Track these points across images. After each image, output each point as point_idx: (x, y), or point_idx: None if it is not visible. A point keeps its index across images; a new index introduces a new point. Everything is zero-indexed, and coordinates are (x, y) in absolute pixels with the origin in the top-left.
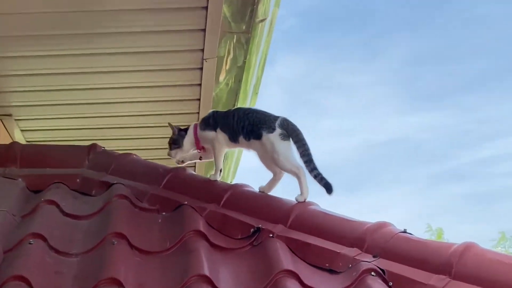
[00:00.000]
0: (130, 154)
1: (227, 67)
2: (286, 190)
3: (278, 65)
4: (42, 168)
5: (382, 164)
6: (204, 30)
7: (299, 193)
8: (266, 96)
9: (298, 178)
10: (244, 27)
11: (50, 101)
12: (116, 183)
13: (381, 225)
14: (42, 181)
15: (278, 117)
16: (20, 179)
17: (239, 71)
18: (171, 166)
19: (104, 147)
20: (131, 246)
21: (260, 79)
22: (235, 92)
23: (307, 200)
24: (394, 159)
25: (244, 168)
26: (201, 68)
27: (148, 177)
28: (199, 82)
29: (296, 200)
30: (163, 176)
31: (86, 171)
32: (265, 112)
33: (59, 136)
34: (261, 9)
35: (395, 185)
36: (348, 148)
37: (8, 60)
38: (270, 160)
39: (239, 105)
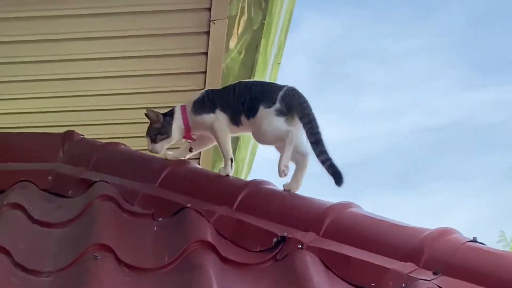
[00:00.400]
0: (117, 143)
1: (240, 30)
2: (318, 189)
3: (305, 28)
4: (3, 162)
5: (438, 153)
6: None
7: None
8: (290, 67)
9: (283, 145)
10: None
11: (13, 76)
12: (99, 180)
13: (443, 233)
14: (3, 180)
15: (283, 87)
16: None
17: (256, 36)
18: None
19: (83, 135)
20: (119, 261)
21: (283, 45)
22: (250, 62)
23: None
24: (454, 148)
25: (262, 159)
26: (208, 32)
27: (140, 173)
28: (204, 50)
29: (283, 187)
30: (159, 171)
31: (60, 165)
32: (272, 83)
33: (26, 122)
34: None
35: (456, 181)
36: (394, 134)
37: None
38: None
39: (256, 79)
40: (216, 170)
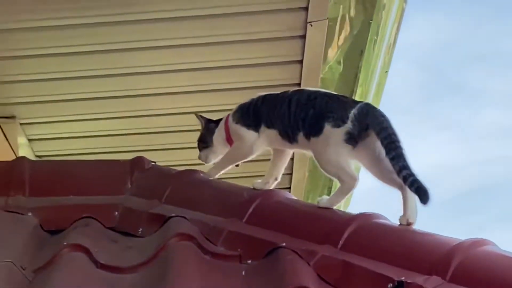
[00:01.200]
0: (194, 171)
1: (341, 34)
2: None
3: (412, 28)
4: (62, 196)
5: None
6: None
7: (326, 196)
8: (393, 76)
9: (342, 186)
10: None
11: (72, 93)
12: (174, 216)
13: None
14: (63, 216)
15: (356, 103)
16: (30, 214)
17: (359, 40)
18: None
19: (154, 162)
20: None
21: (393, 50)
22: (352, 71)
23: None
24: None
25: (365, 189)
26: (304, 36)
27: (223, 207)
28: (299, 58)
29: (318, 204)
30: (247, 204)
31: (129, 198)
32: (342, 96)
33: (83, 147)
34: None
35: None
36: None
37: (13, 32)
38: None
39: (359, 91)
40: (310, 200)
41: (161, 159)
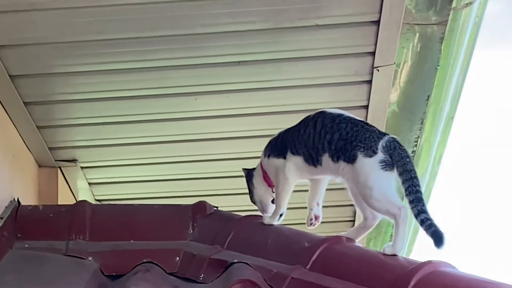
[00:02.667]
0: (257, 216)
1: (404, 79)
2: None
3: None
4: (123, 240)
5: None
6: (377, 22)
7: (391, 243)
8: (459, 121)
9: (396, 222)
10: (435, 18)
11: (129, 138)
12: (237, 262)
13: None
14: (124, 261)
15: (383, 135)
16: (91, 258)
17: (425, 85)
18: (325, 234)
19: (216, 207)
20: None
21: (459, 95)
22: (418, 117)
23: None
24: None
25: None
26: (370, 81)
27: (287, 253)
28: (365, 103)
29: (383, 251)
30: (311, 251)
31: (190, 244)
32: (365, 123)
33: (144, 192)
34: None
35: None
36: None
37: (75, 76)
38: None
39: (425, 139)
40: (376, 248)
41: (223, 204)
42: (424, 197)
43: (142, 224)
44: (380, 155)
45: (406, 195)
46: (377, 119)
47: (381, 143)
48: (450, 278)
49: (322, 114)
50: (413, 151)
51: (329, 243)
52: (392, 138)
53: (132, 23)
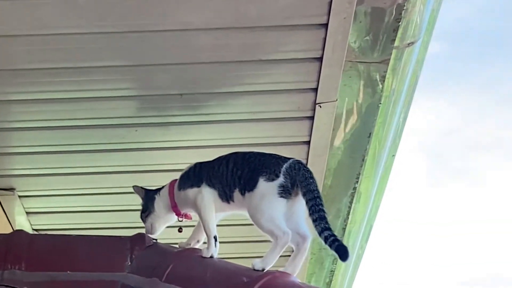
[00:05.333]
0: (197, 250)
1: (349, 118)
2: None
3: (414, 112)
4: (60, 271)
5: None
6: (319, 59)
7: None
8: (399, 160)
9: (275, 243)
10: (379, 56)
11: (73, 168)
12: None
13: None
14: None
15: (289, 159)
16: None
17: (367, 123)
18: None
19: (155, 240)
20: None
21: (401, 133)
22: (361, 154)
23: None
24: None
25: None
26: (312, 118)
27: (224, 287)
28: (306, 139)
29: (252, 265)
30: (249, 286)
31: (129, 276)
32: (274, 154)
33: (82, 222)
34: (408, 28)
35: None
36: None
37: (14, 104)
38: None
39: (365, 177)
40: (315, 284)
41: (162, 237)
42: (326, 215)
43: (80, 255)
44: (281, 179)
45: (310, 214)
46: (319, 155)
47: (285, 166)
48: None
49: (234, 154)
50: (354, 188)
51: (267, 279)
52: (297, 160)
53: (73, 52)
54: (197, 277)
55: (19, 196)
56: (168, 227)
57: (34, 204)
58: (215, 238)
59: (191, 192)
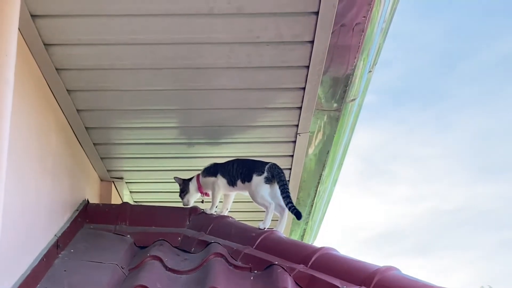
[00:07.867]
0: (227, 216)
1: (317, 141)
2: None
3: (357, 136)
4: (148, 226)
5: (448, 230)
6: (300, 108)
7: (263, 222)
8: (345, 164)
9: (267, 210)
10: (335, 106)
11: (156, 167)
12: (213, 242)
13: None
14: (148, 238)
15: (268, 163)
16: (128, 236)
17: (327, 144)
18: (265, 228)
19: (203, 210)
20: None
21: (346, 151)
22: (322, 162)
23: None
24: (461, 226)
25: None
26: (294, 142)
27: (242, 238)
28: (291, 154)
29: (258, 227)
30: (256, 238)
31: (187, 230)
32: (259, 160)
33: (164, 198)
34: (352, 90)
35: (460, 250)
36: (417, 214)
37: (123, 130)
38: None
39: (326, 174)
40: (293, 237)
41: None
42: (290, 194)
43: (160, 217)
44: (265, 174)
45: (282, 192)
46: (298, 163)
47: (267, 166)
48: (335, 257)
49: (237, 159)
50: (319, 180)
51: (266, 234)
52: (273, 163)
53: (154, 100)
54: (225, 231)
55: (126, 182)
56: (195, 202)
57: (134, 187)
58: (216, 206)
59: (211, 179)
